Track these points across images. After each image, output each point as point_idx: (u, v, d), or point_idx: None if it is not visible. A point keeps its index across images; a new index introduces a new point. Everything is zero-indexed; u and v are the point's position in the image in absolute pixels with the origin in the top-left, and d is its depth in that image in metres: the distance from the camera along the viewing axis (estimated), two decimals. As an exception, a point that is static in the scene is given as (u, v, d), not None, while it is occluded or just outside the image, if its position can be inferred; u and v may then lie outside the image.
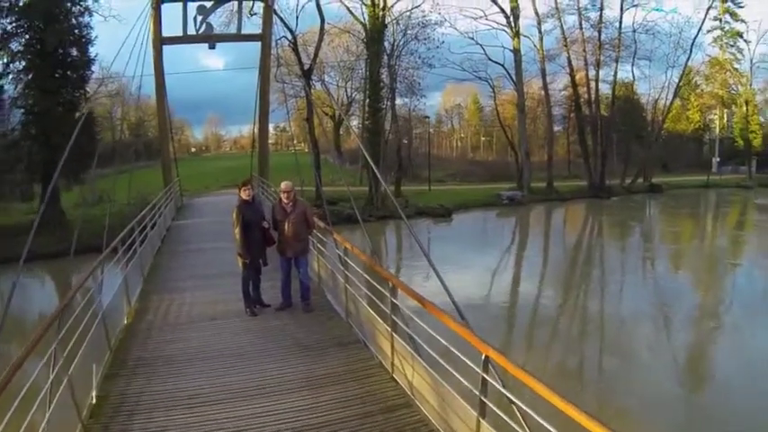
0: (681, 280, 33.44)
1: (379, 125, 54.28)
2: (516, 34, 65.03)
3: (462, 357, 6.91)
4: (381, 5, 51.43)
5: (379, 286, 10.01)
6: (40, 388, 6.98)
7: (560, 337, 22.65)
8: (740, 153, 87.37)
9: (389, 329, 9.02)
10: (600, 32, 69.03)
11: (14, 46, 39.62)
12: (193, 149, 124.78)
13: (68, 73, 40.31)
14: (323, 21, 49.75)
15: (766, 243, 44.86)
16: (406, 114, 73.46)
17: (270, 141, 55.60)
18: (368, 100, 56.23)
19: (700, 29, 75.55)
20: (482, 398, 6.30)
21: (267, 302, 12.74)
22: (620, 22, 69.46)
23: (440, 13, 75.79)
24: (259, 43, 33.54)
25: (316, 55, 50.53)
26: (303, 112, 56.11)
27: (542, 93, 73.08)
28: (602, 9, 68.49)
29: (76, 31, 40.92)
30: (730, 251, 41.91)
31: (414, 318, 8.66)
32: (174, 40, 32.68)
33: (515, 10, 64.46)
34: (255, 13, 40.04)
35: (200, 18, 32.01)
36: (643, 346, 20.81)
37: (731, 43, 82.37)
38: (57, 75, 39.50)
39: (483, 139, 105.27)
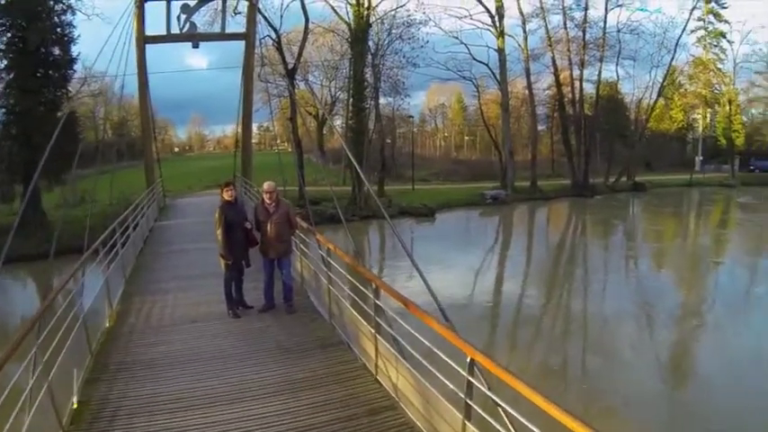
0: (663, 279, 33.58)
1: (362, 125, 54.29)
2: (501, 34, 65.11)
3: (447, 360, 6.80)
4: (366, 5, 51.36)
5: (362, 287, 10.02)
6: (20, 393, 6.90)
7: (544, 337, 22.67)
8: (723, 152, 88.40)
9: (373, 331, 8.96)
10: (584, 32, 69.36)
11: (-5, 44, 39.30)
12: (177, 149, 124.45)
13: (50, 72, 39.91)
14: (307, 20, 49.61)
15: (748, 241, 45.08)
16: (390, 114, 73.46)
17: (253, 141, 55.39)
18: (351, 99, 56.21)
19: (684, 29, 76.53)
20: (467, 400, 6.27)
21: (250, 304, 12.66)
22: (605, 22, 69.94)
23: (424, 13, 75.61)
24: (243, 42, 33.39)
25: (300, 54, 50.29)
26: (287, 111, 55.82)
27: (526, 92, 73.50)
28: (586, 9, 68.85)
29: (59, 29, 40.43)
30: (713, 249, 42.12)
31: (398, 319, 8.57)
32: (157, 39, 32.41)
33: (500, 9, 64.60)
34: (239, 12, 39.91)
35: (183, 17, 31.80)
36: (626, 345, 20.88)
37: (715, 43, 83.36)
38: (38, 74, 39.08)
39: (467, 138, 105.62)
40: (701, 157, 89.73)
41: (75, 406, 8.15)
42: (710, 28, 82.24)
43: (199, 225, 24.32)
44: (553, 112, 79.84)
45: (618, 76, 78.31)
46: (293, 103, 50.07)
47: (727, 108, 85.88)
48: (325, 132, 77.99)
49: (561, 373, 18.69)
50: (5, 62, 39.18)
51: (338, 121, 75.64)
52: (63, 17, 41.03)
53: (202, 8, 33.87)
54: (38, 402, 7.11)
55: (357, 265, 11.19)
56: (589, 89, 74.43)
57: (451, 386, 6.78)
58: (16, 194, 41.97)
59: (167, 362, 9.76)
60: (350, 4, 51.47)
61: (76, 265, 11.04)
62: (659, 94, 79.42)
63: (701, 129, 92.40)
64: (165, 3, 31.56)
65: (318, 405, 8.07)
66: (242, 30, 34.29)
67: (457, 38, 65.03)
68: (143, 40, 31.13)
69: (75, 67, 42.54)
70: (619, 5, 69.39)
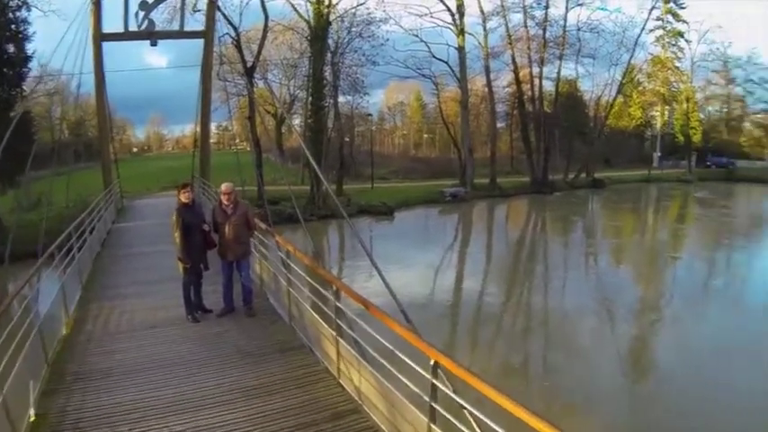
0: (623, 274, 33.96)
1: (321, 123, 53.86)
2: (461, 32, 65.13)
3: (410, 363, 6.75)
4: (326, 2, 51.04)
5: (322, 289, 9.88)
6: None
7: (505, 335, 22.78)
8: (680, 148, 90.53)
9: (334, 333, 8.88)
10: (545, 30, 69.68)
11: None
12: (135, 149, 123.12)
13: (4, 70, 39.14)
14: (267, 18, 49.21)
15: (706, 236, 45.80)
16: (349, 112, 73.17)
17: (212, 140, 55.04)
18: (310, 98, 55.82)
19: (643, 28, 77.58)
20: (432, 403, 6.23)
21: (209, 308, 12.53)
22: (565, 21, 70.29)
23: (385, 11, 75.37)
24: (202, 40, 33.06)
25: (259, 52, 49.84)
26: (245, 110, 55.46)
27: (486, 90, 73.53)
28: (547, 7, 69.08)
29: (13, 26, 39.72)
30: (671, 245, 42.64)
31: (360, 322, 8.55)
32: (114, 37, 31.78)
33: (461, 8, 64.58)
34: (199, 10, 39.39)
35: (141, 14, 31.22)
36: (587, 341, 21.14)
37: (673, 42, 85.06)
38: (-9, 72, 38.48)
39: (425, 136, 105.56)
40: (659, 154, 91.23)
41: (32, 419, 7.97)
42: (669, 27, 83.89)
43: (157, 227, 24.05)
44: (512, 110, 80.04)
45: (577, 74, 79.42)
46: (252, 101, 49.85)
47: (685, 105, 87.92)
48: (284, 131, 77.59)
49: (523, 371, 18.82)
50: (-43, 60, 38.45)
51: (297, 120, 75.65)
52: (18, 14, 40.29)
53: (161, 5, 33.33)
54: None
55: (317, 267, 11.10)
56: (549, 87, 75.09)
57: (416, 389, 6.72)
58: (-32, 198, 41.22)
59: (126, 370, 9.58)
60: (310, 2, 51.09)
61: (32, 270, 10.84)
62: (618, 92, 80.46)
63: (659, 126, 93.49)
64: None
65: (281, 411, 8.00)
66: (201, 27, 33.89)
67: (417, 36, 64.86)
68: (100, 37, 30.56)
69: (31, 65, 41.78)
70: (579, 4, 70.05)
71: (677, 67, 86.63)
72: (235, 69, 51.10)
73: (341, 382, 8.79)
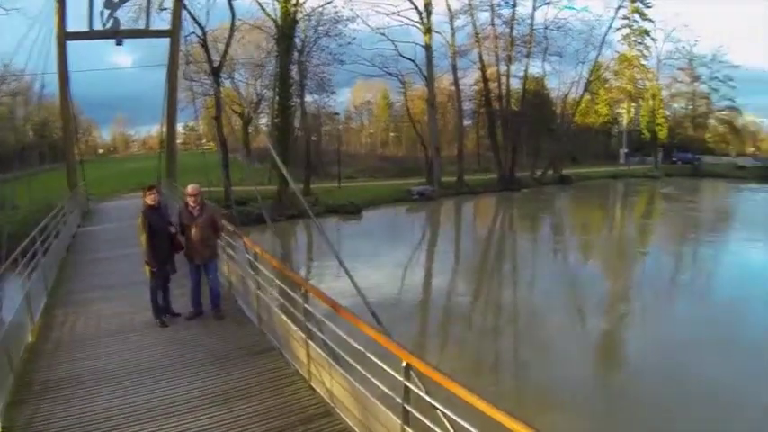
0: (591, 270, 34.32)
1: (288, 123, 53.90)
2: (428, 30, 65.20)
3: (382, 365, 6.69)
4: (294, 1, 50.89)
5: (290, 291, 9.81)
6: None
7: (475, 332, 22.83)
8: (647, 145, 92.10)
9: (304, 336, 8.78)
10: (512, 29, 70.43)
11: None
12: (101, 151, 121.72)
13: (-35, 71, 38.69)
14: (233, 16, 48.93)
15: (673, 231, 46.37)
16: (316, 111, 73.05)
17: (179, 141, 54.52)
18: (277, 97, 55.67)
19: (609, 27, 79.20)
20: (405, 405, 6.19)
21: (177, 311, 12.35)
22: (533, 19, 71.31)
23: (352, 9, 75.27)
24: (168, 39, 32.70)
25: (225, 52, 49.58)
26: (212, 110, 55.25)
27: (453, 88, 74.00)
28: (514, 6, 70.03)
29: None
30: (639, 240, 43.23)
31: (329, 324, 8.48)
32: (79, 36, 31.23)
33: (428, 6, 64.66)
34: (165, 9, 38.85)
35: (107, 12, 30.73)
36: (557, 335, 21.30)
37: (639, 41, 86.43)
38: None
39: (392, 134, 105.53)
40: (626, 150, 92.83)
41: None
42: (635, 26, 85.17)
43: (124, 230, 23.64)
44: (479, 108, 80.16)
45: (544, 72, 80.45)
46: (218, 101, 49.68)
47: (651, 103, 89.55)
48: (251, 131, 77.14)
49: (494, 368, 18.87)
50: None
51: (264, 120, 75.71)
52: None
53: (126, 3, 32.91)
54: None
55: (285, 269, 11.00)
56: (516, 85, 75.62)
57: (388, 391, 6.65)
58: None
59: (95, 377, 9.39)
60: (277, 1, 50.92)
61: (-5, 276, 10.65)
62: (585, 90, 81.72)
63: (625, 122, 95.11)
64: (87, -3, 30.72)
65: (252, 415, 7.90)
66: (167, 26, 33.53)
67: (384, 34, 64.83)
68: (64, 36, 30.06)
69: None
70: (546, 3, 71.17)
71: (643, 65, 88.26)
72: (201, 69, 50.79)
73: (312, 384, 8.70)
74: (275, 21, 52.14)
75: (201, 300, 12.37)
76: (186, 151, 76.82)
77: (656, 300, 26.33)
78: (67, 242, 21.72)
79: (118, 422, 7.84)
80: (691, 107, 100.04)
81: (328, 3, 57.12)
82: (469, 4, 68.57)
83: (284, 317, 9.97)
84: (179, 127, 44.65)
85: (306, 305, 8.77)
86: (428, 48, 65.73)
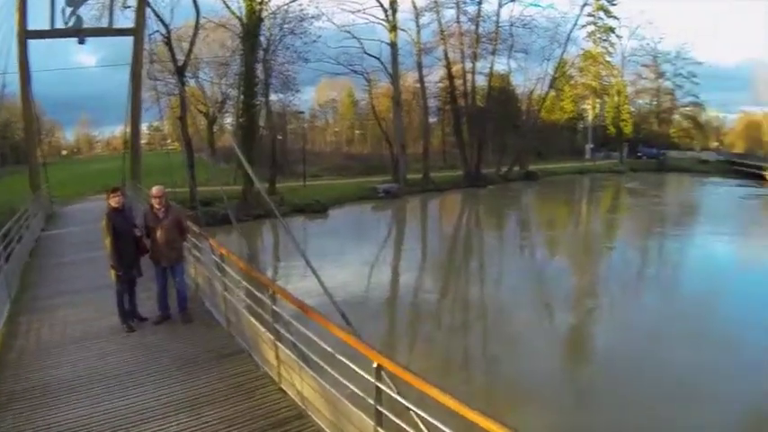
0: (558, 265, 34.50)
1: (253, 122, 53.56)
2: (394, 28, 65.29)
3: (352, 366, 6.63)
4: (259, -1, 50.71)
5: (258, 293, 9.69)
6: None
7: (444, 330, 22.83)
8: (612, 140, 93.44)
9: (273, 338, 8.72)
10: (478, 26, 70.94)
11: None
12: (64, 152, 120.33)
13: None
14: (198, 14, 48.46)
15: (638, 225, 46.94)
16: (281, 110, 72.78)
17: (143, 141, 54.09)
18: (242, 97, 55.50)
19: (575, 24, 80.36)
20: (377, 406, 6.14)
21: (145, 315, 12.17)
22: (498, 16, 71.98)
23: (317, 7, 75.01)
24: (132, 38, 32.31)
25: (190, 50, 49.14)
26: (177, 110, 54.70)
27: (418, 85, 74.08)
28: (480, 3, 70.49)
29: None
30: (605, 235, 43.66)
31: (298, 325, 8.29)
32: (40, 34, 30.78)
33: (394, 4, 64.78)
34: (129, 6, 38.26)
35: (69, 10, 30.31)
36: (526, 331, 21.39)
37: (604, 38, 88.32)
38: None
39: (357, 132, 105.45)
40: (592, 146, 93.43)
41: None
42: (600, 23, 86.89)
43: (89, 233, 23.25)
44: (445, 105, 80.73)
45: (510, 69, 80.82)
46: (183, 101, 49.15)
47: (616, 99, 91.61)
48: (215, 130, 76.82)
49: (464, 365, 18.91)
50: None
51: (229, 119, 75.24)
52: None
53: (89, 1, 32.52)
54: None
55: (252, 270, 10.91)
56: (481, 81, 75.88)
57: (359, 392, 6.60)
58: None
59: (62, 387, 9.16)
60: (242, -2, 50.72)
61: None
62: (550, 86, 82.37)
63: (590, 118, 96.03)
64: (49, -6, 30.27)
65: (222, 420, 7.79)
66: (131, 24, 33.13)
67: (349, 32, 64.79)
68: (25, 34, 29.59)
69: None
70: (512, 0, 71.57)
71: (608, 62, 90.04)
72: (166, 68, 50.35)
73: (282, 387, 8.62)
74: (240, 19, 51.79)
75: (169, 303, 12.20)
76: (151, 151, 75.83)
77: (624, 294, 26.66)
78: (31, 246, 21.30)
79: (92, 431, 7.70)
80: (655, 103, 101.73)
81: (293, 1, 56.97)
82: (435, 2, 69.02)
83: (252, 319, 9.90)
84: (143, 127, 44.36)
85: (274, 307, 8.69)
86: (393, 45, 65.78)
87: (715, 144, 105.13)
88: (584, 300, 26.15)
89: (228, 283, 11.06)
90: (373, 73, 70.28)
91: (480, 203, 60.78)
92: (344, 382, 6.96)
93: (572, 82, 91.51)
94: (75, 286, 15.74)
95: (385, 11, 64.94)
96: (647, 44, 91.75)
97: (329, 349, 7.20)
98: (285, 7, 56.68)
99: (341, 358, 6.86)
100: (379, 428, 6.15)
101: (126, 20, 35.03)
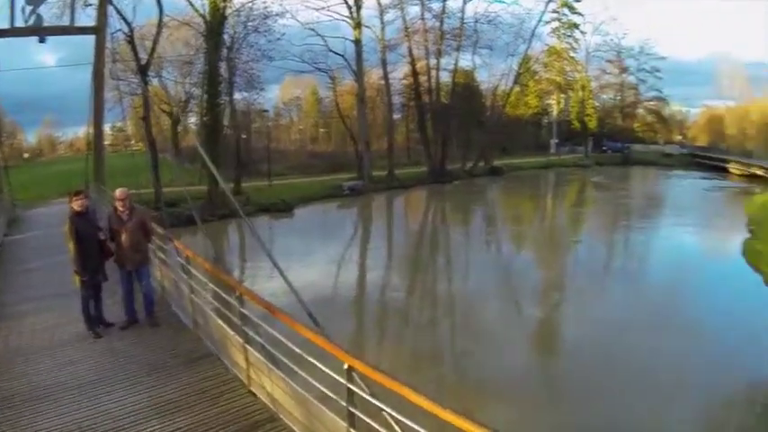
0: (525, 260, 34.65)
1: (217, 121, 53.37)
2: (358, 25, 65.47)
3: (323, 367, 6.57)
4: (223, -3, 50.39)
5: (225, 295, 9.64)
6: None
7: (412, 327, 22.88)
8: (577, 134, 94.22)
9: (241, 340, 8.63)
10: (442, 22, 71.23)
11: None
12: (27, 155, 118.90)
13: None
14: (161, 12, 48.03)
15: (604, 219, 47.34)
16: (245, 108, 72.51)
17: (107, 142, 53.48)
18: (206, 96, 55.17)
19: (539, 20, 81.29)
20: (350, 408, 6.11)
21: (111, 321, 11.96)
22: (463, 13, 72.13)
23: (281, 5, 74.96)
24: (94, 37, 31.93)
25: (153, 49, 48.71)
26: (140, 110, 54.23)
27: (382, 82, 74.42)
28: (445, 0, 70.18)
29: None
30: (571, 229, 43.99)
31: (266, 327, 8.30)
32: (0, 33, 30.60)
33: (358, 1, 64.97)
34: (90, 4, 37.83)
35: (29, 8, 29.92)
36: (494, 326, 21.54)
37: (569, 34, 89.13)
38: None
39: (322, 130, 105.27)
40: (557, 140, 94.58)
41: None
42: (565, 19, 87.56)
43: (53, 237, 22.88)
44: (409, 101, 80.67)
45: (474, 65, 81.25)
46: (146, 100, 48.73)
47: (581, 94, 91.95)
48: (179, 130, 76.27)
49: (434, 362, 18.87)
50: None
51: (193, 119, 75.01)
52: None
53: (49, -1, 32.18)
54: None
55: (218, 272, 10.83)
56: (445, 78, 76.32)
57: (331, 394, 6.56)
58: None
59: (28, 397, 8.95)
60: (206, -4, 50.38)
61: None
62: (515, 82, 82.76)
63: (555, 113, 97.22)
64: (7, -8, 29.83)
65: (193, 426, 7.70)
66: (93, 23, 32.74)
67: (313, 30, 64.75)
68: (-17, 34, 29.31)
69: None
70: (477, -3, 71.24)
71: (573, 58, 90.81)
72: (128, 67, 49.87)
73: (252, 390, 8.55)
74: (204, 17, 51.42)
75: (135, 307, 12.03)
76: (115, 152, 75.16)
77: (591, 286, 26.91)
78: None
79: None
80: (619, 98, 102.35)
81: (258, -3, 56.68)
82: (399, -1, 68.62)
83: (220, 321, 9.78)
84: (106, 128, 43.77)
85: (241, 309, 8.60)
86: (358, 42, 65.96)
87: (678, 138, 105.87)
88: (552, 293, 26.41)
89: (195, 286, 10.94)
90: (337, 70, 70.75)
91: (446, 199, 61.02)
92: (315, 384, 6.91)
93: (536, 77, 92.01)
94: (40, 292, 15.44)
95: (349, 8, 65.12)
96: (611, 40, 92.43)
97: (299, 351, 7.14)
98: (249, 5, 56.62)
99: (311, 360, 6.81)
100: (351, 430, 6.10)
101: (87, 18, 34.67)
